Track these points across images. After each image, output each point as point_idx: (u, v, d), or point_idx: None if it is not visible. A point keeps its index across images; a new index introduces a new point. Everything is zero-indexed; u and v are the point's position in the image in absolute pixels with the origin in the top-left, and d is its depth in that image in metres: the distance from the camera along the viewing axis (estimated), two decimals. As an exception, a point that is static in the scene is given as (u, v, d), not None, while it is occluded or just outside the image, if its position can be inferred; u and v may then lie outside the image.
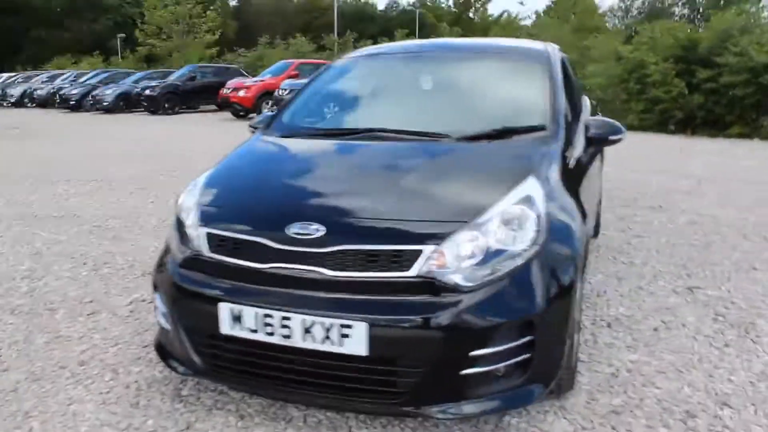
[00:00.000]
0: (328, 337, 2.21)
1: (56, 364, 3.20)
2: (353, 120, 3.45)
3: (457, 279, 2.21)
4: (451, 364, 2.19)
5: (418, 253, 2.22)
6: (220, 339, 2.41)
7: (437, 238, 2.26)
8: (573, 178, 2.92)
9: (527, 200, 2.41)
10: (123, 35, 42.95)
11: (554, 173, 2.69)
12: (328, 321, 2.20)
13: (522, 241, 2.31)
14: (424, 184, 2.61)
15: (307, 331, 2.23)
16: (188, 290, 2.50)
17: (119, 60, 38.80)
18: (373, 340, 2.17)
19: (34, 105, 26.30)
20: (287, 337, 2.27)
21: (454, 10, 17.88)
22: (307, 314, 2.23)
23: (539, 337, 2.27)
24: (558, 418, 2.57)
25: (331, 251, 2.28)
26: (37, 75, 31.89)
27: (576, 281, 2.42)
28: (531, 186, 2.49)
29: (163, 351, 2.75)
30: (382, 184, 2.66)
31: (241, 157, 3.17)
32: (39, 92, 26.42)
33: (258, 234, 2.42)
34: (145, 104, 21.64)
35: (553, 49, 3.69)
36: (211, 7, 31.67)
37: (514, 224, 2.34)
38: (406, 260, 2.22)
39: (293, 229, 2.35)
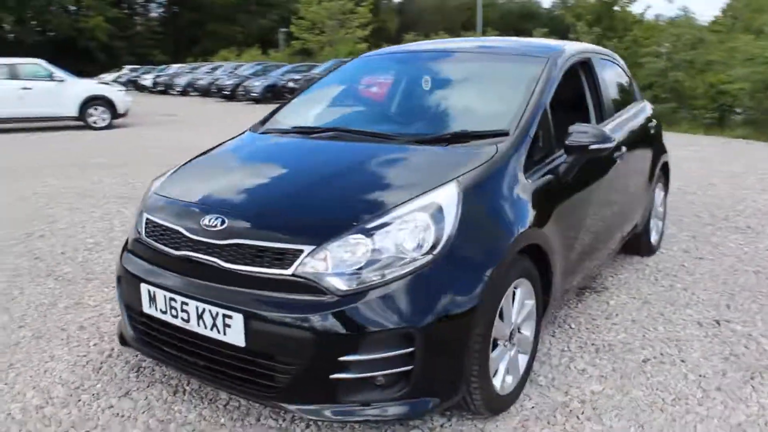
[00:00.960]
0: (215, 325, 2.28)
1: (61, 326, 3.54)
2: (326, 119, 3.45)
3: (334, 281, 2.17)
4: (320, 367, 2.17)
5: (299, 252, 2.21)
6: (144, 316, 2.57)
7: (321, 239, 2.23)
8: (540, 190, 2.73)
9: (433, 208, 2.30)
10: (285, 29, 45.52)
11: (493, 182, 2.54)
12: (215, 310, 2.28)
13: (415, 250, 2.22)
14: (335, 185, 2.57)
15: (200, 317, 2.32)
16: (126, 270, 2.69)
17: (277, 53, 41.13)
18: (250, 333, 2.23)
19: (196, 94, 28.67)
20: (186, 321, 2.38)
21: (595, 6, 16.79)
22: (200, 301, 2.32)
23: (423, 350, 2.17)
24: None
25: (227, 244, 2.34)
26: (202, 66, 34.74)
27: (483, 299, 2.27)
28: (446, 193, 2.36)
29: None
30: (295, 183, 2.66)
31: (211, 151, 3.30)
32: (200, 82, 28.78)
33: (178, 222, 2.54)
34: (289, 95, 22.76)
35: (564, 52, 3.41)
36: (363, 3, 32.45)
37: (411, 231, 2.25)
38: (288, 258, 2.23)
39: (205, 221, 2.44)
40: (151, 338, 2.61)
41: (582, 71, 3.67)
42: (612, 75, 4.15)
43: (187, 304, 2.37)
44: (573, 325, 3.49)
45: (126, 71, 43.16)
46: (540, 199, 2.74)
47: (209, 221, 2.44)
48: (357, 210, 2.34)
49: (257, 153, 3.16)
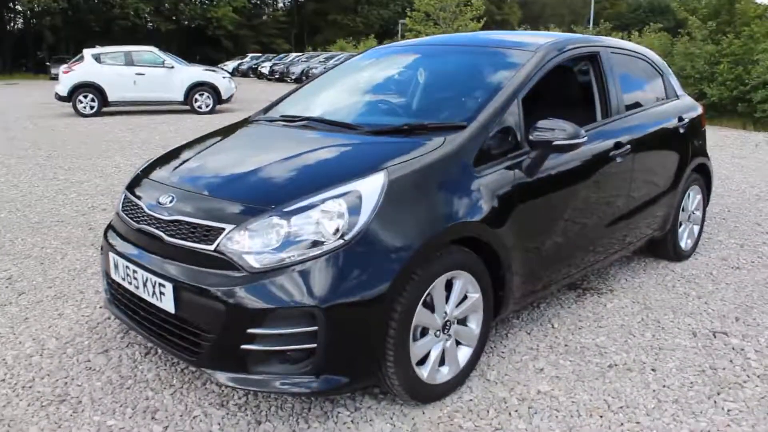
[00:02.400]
0: (154, 293, 2.49)
1: (80, 290, 3.93)
2: (309, 109, 3.53)
3: (249, 259, 2.30)
4: (232, 337, 2.30)
5: (222, 230, 2.36)
6: (113, 282, 2.84)
7: (242, 219, 2.37)
8: (495, 185, 2.72)
9: (353, 195, 2.37)
10: (404, 21, 45.94)
11: (429, 173, 2.56)
12: (154, 278, 2.49)
13: (327, 235, 2.30)
14: (273, 170, 2.69)
15: (144, 284, 2.54)
16: (104, 240, 2.97)
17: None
18: (178, 301, 2.41)
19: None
20: (136, 287, 2.61)
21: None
22: (146, 270, 2.54)
23: (326, 329, 2.25)
24: (383, 419, 2.50)
25: (171, 219, 2.56)
26: (318, 55, 35.86)
27: (394, 286, 2.31)
28: (370, 182, 2.42)
29: None
30: (241, 166, 2.79)
31: (203, 136, 3.51)
32: (314, 71, 29.77)
33: (142, 198, 2.78)
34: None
35: (552, 46, 3.31)
36: (476, -5, 32.05)
37: (326, 216, 2.34)
38: (212, 236, 2.39)
39: (161, 198, 2.66)
40: (118, 301, 2.87)
41: (586, 65, 3.54)
42: (631, 70, 3.96)
43: (137, 272, 2.60)
44: (556, 325, 3.41)
45: (248, 59, 45.44)
46: (493, 193, 2.72)
47: (163, 198, 2.66)
48: (280, 194, 2.45)
49: (232, 139, 3.33)
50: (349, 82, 3.84)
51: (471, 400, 2.68)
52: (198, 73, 15.71)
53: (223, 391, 2.73)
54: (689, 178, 4.32)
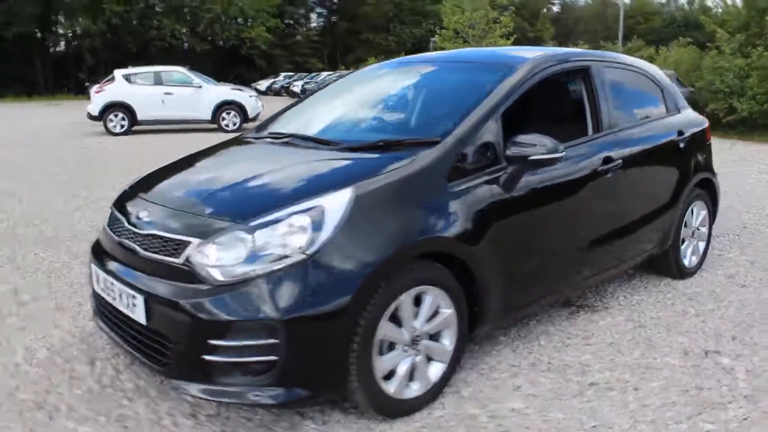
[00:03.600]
0: (128, 304, 2.55)
1: (79, 302, 4.01)
2: (293, 126, 3.55)
3: (213, 272, 2.34)
4: (195, 348, 2.33)
5: (189, 244, 2.41)
6: (96, 293, 2.90)
7: (208, 233, 2.42)
8: (469, 200, 2.72)
9: (317, 211, 2.40)
10: (435, 39, 46.21)
11: (397, 188, 2.57)
12: (128, 290, 2.55)
13: (291, 249, 2.33)
14: (245, 186, 2.74)
15: (120, 296, 2.60)
16: (91, 253, 3.04)
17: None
18: (148, 312, 2.46)
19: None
20: (114, 299, 2.66)
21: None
22: (121, 282, 2.60)
23: (287, 342, 2.27)
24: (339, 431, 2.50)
25: (145, 234, 2.62)
26: (349, 74, 36.20)
27: (356, 300, 2.33)
28: (336, 198, 2.44)
29: None
30: (216, 182, 2.84)
31: (194, 153, 3.57)
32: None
33: (123, 213, 2.86)
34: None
35: (535, 61, 3.30)
36: (505, 12, 32.07)
37: (290, 231, 2.37)
38: (180, 249, 2.44)
39: (139, 213, 2.73)
40: (101, 313, 2.92)
41: (576, 80, 3.52)
42: (626, 84, 3.91)
43: (114, 284, 2.66)
44: (542, 342, 3.36)
45: (281, 78, 46.15)
46: (468, 209, 2.71)
47: (141, 213, 2.73)
48: (247, 209, 2.50)
49: (216, 156, 3.38)
50: (337, 99, 3.88)
51: (441, 416, 2.65)
52: (225, 92, 16.02)
53: (196, 401, 2.75)
54: (692, 194, 4.23)
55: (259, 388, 2.32)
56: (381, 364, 2.49)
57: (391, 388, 2.54)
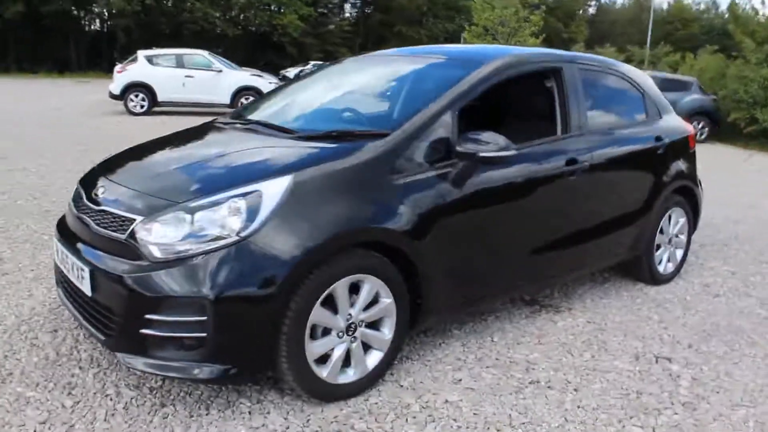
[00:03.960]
0: (78, 276, 2.65)
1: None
2: (264, 112, 3.61)
3: (153, 249, 2.42)
4: (133, 321, 2.42)
5: (132, 221, 2.50)
6: (56, 265, 3.01)
7: (152, 212, 2.51)
8: (414, 192, 2.76)
9: (254, 195, 2.46)
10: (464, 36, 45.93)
11: (338, 177, 2.62)
12: (78, 263, 2.64)
13: (225, 230, 2.40)
14: (195, 168, 2.82)
15: (72, 268, 2.70)
16: (56, 227, 3.15)
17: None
18: (93, 285, 2.56)
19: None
20: (68, 271, 2.76)
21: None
22: (74, 255, 2.70)
23: (216, 320, 2.34)
24: (279, 413, 2.56)
25: (98, 209, 2.72)
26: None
27: (286, 284, 2.39)
28: (275, 183, 2.51)
29: None
30: (170, 164, 2.93)
31: (164, 135, 3.66)
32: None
33: (85, 189, 2.95)
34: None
35: (499, 60, 3.32)
36: (536, 11, 31.70)
37: (227, 213, 2.44)
38: (125, 226, 2.53)
39: (98, 189, 2.83)
40: (61, 284, 3.03)
41: (546, 80, 3.53)
42: (603, 88, 3.92)
43: (68, 256, 2.76)
44: (495, 339, 3.39)
45: (310, 66, 46.30)
46: (413, 202, 2.74)
47: (98, 190, 2.82)
48: (191, 190, 2.58)
49: (181, 139, 3.45)
50: (310, 88, 3.93)
51: (375, 403, 2.71)
52: (245, 77, 16.16)
53: (144, 375, 2.84)
54: (669, 201, 4.21)
55: (189, 363, 2.41)
56: (313, 348, 2.56)
57: (324, 372, 2.60)
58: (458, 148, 2.86)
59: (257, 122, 3.34)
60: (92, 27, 51.14)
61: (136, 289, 2.39)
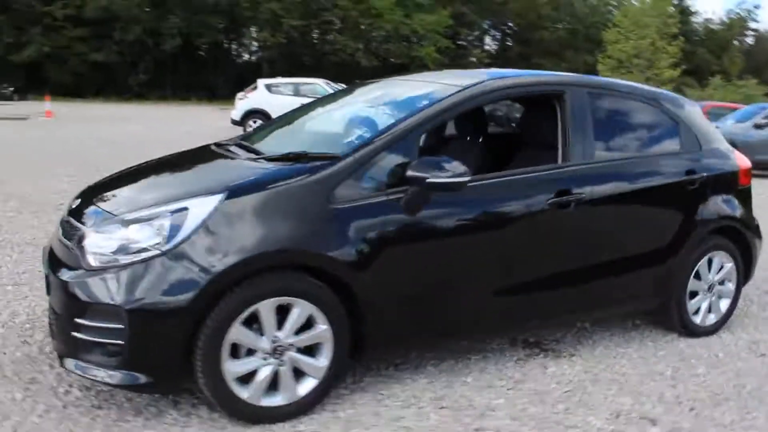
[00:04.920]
0: (44, 279, 2.85)
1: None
2: (260, 136, 3.66)
3: (90, 258, 2.56)
4: (67, 324, 2.55)
5: (81, 231, 2.68)
6: None
7: (96, 224, 2.67)
8: (359, 218, 2.69)
9: (180, 212, 2.52)
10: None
11: (271, 198, 2.61)
12: (45, 269, 2.84)
13: (150, 244, 2.48)
14: (152, 184, 3.01)
15: (42, 272, 2.91)
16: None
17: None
18: (47, 290, 2.78)
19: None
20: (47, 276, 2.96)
21: None
22: (45, 259, 2.90)
23: (131, 329, 2.41)
24: (194, 425, 2.56)
25: (66, 221, 2.91)
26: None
27: (198, 302, 2.41)
28: (203, 201, 2.55)
29: None
30: (134, 180, 3.13)
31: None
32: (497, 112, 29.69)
33: (72, 202, 3.16)
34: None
35: (484, 85, 3.19)
36: (674, 41, 29.96)
37: (154, 228, 2.52)
38: (76, 236, 2.68)
39: (75, 203, 3.05)
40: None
41: (540, 106, 3.33)
42: (621, 115, 3.60)
43: (43, 261, 2.97)
44: (469, 380, 3.16)
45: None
46: (355, 228, 2.67)
47: (74, 203, 3.06)
48: (131, 205, 2.71)
49: (168, 159, 3.54)
50: (312, 111, 3.97)
51: (295, 428, 2.63)
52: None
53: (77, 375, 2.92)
54: (706, 242, 3.75)
55: (111, 369, 2.49)
56: (234, 367, 2.53)
57: (245, 393, 2.57)
58: (408, 173, 2.74)
59: (239, 144, 3.40)
60: (243, 59, 55.23)
61: (71, 294, 2.52)
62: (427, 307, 2.93)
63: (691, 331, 3.84)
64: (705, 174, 3.73)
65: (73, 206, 3.02)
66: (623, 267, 3.47)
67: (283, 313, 2.60)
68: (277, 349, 2.61)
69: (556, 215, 3.17)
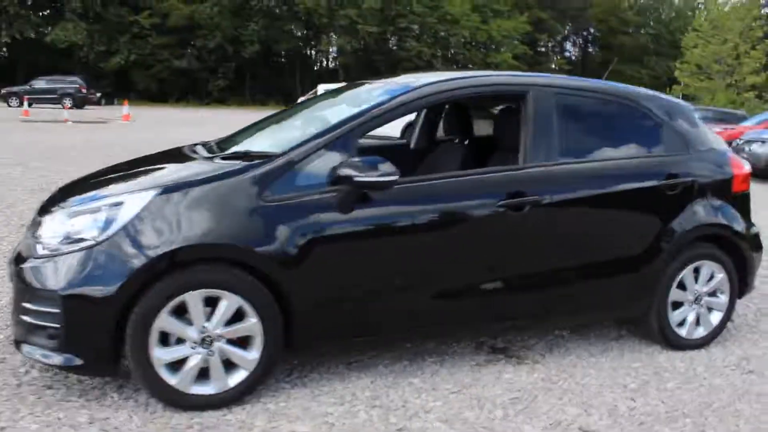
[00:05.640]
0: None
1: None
2: (234, 140, 3.70)
3: (38, 247, 2.74)
4: (17, 308, 2.73)
5: (40, 222, 2.87)
6: None
7: (46, 214, 2.85)
8: (289, 215, 2.76)
9: (116, 205, 2.68)
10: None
11: (201, 194, 2.71)
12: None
13: (88, 235, 2.64)
14: (107, 181, 3.11)
15: None
16: None
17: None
18: (10, 276, 2.93)
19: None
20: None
21: None
22: None
23: (65, 314, 2.57)
24: (125, 412, 2.69)
25: (36, 214, 3.07)
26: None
27: (126, 291, 2.55)
28: (138, 196, 2.71)
29: None
30: (95, 178, 3.26)
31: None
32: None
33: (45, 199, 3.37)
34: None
35: (436, 86, 3.22)
36: (758, 46, 28.21)
37: (93, 219, 2.69)
38: (36, 227, 2.89)
39: (48, 199, 3.23)
40: None
41: (508, 106, 3.29)
42: (596, 115, 3.51)
43: None
44: (414, 381, 3.14)
45: (514, 104, 46.08)
46: (282, 225, 2.74)
47: (46, 200, 3.22)
48: (78, 198, 2.88)
49: (136, 160, 3.66)
50: (287, 115, 4.05)
51: (226, 419, 2.71)
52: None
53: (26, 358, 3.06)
54: (690, 250, 3.57)
55: (49, 351, 2.65)
56: (162, 354, 2.65)
57: (173, 379, 2.67)
58: (339, 172, 2.78)
59: (204, 145, 3.53)
60: (322, 65, 56.46)
61: (20, 279, 2.71)
62: (359, 307, 2.95)
63: (675, 343, 3.66)
64: (690, 179, 3.56)
65: (44, 203, 3.20)
66: (588, 273, 3.36)
67: (215, 305, 2.69)
68: (206, 340, 2.70)
69: (508, 218, 3.12)
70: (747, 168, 3.86)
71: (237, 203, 2.72)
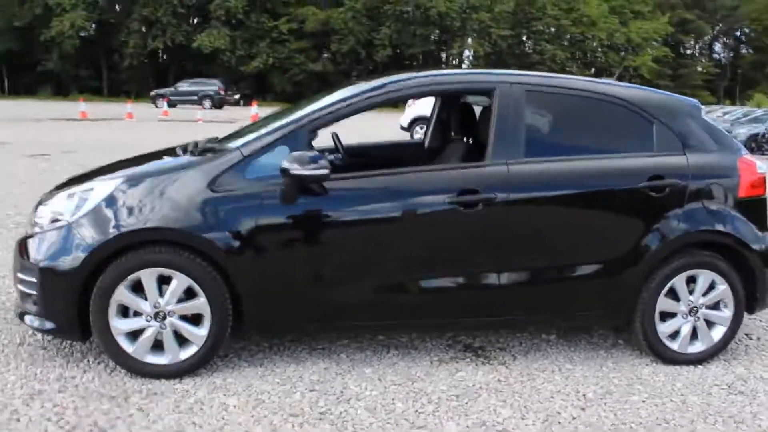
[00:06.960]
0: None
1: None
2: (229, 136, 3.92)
3: (37, 226, 3.17)
4: (16, 277, 3.19)
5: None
6: None
7: (48, 198, 3.30)
8: (234, 205, 3.00)
9: (87, 191, 3.08)
10: None
11: (164, 184, 3.03)
12: None
13: (65, 216, 3.05)
14: (99, 172, 3.47)
15: None
16: None
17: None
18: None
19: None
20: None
21: None
22: None
23: (41, 283, 2.99)
24: (92, 368, 3.04)
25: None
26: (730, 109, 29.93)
27: (83, 268, 2.91)
28: (106, 183, 3.11)
29: None
30: (96, 172, 3.57)
31: None
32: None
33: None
34: None
35: (396, 81, 3.34)
36: None
37: (70, 203, 3.09)
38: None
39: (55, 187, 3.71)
40: None
41: (459, 104, 3.41)
42: (575, 114, 3.42)
43: None
44: (367, 371, 3.26)
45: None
46: (229, 214, 2.99)
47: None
48: (70, 184, 3.33)
49: (140, 156, 3.94)
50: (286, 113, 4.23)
51: (174, 388, 2.98)
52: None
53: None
54: (682, 257, 3.36)
55: (34, 316, 3.08)
56: (120, 324, 2.99)
57: (130, 348, 3.00)
58: (281, 166, 2.96)
59: (195, 143, 3.82)
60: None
61: (18, 253, 3.16)
62: (304, 295, 3.12)
63: (665, 356, 3.44)
64: (680, 181, 3.35)
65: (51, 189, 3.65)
66: (552, 275, 3.29)
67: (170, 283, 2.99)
68: (159, 314, 3.00)
69: (459, 216, 3.14)
70: (763, 171, 3.54)
71: (189, 192, 2.99)
